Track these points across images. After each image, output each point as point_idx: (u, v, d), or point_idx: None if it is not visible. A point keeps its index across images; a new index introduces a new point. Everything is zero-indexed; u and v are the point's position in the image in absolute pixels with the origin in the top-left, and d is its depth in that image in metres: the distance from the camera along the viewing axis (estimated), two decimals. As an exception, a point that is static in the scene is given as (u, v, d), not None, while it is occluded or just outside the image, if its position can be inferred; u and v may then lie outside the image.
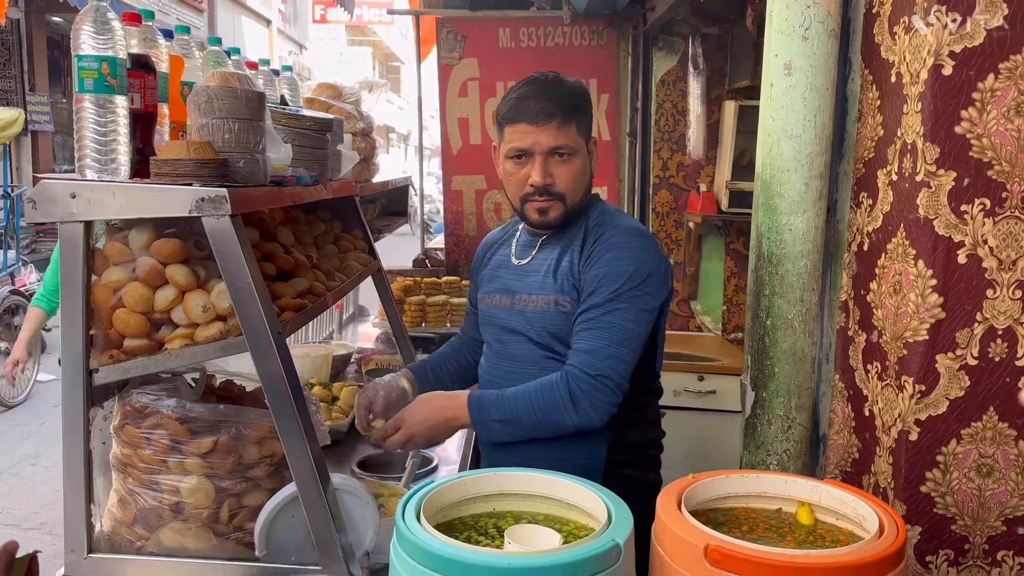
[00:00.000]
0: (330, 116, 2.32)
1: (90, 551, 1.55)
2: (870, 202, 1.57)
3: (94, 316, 1.52)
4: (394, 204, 4.03)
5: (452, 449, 2.43)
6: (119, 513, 1.58)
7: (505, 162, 1.72)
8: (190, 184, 1.44)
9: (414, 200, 5.05)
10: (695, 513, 1.20)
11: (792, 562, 1.02)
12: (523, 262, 1.80)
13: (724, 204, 3.61)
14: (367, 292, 3.53)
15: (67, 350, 1.51)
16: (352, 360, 3.10)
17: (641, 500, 1.32)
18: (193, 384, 1.69)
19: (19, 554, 1.21)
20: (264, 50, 16.76)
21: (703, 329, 4.30)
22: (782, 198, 1.66)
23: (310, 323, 4.03)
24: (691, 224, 4.07)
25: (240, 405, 1.65)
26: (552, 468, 1.36)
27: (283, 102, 2.43)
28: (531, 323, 1.74)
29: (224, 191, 1.44)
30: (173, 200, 1.45)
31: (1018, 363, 1.39)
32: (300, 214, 2.38)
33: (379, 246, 2.84)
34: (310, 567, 1.53)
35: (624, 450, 1.72)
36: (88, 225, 1.49)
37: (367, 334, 3.94)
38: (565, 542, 1.19)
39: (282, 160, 1.81)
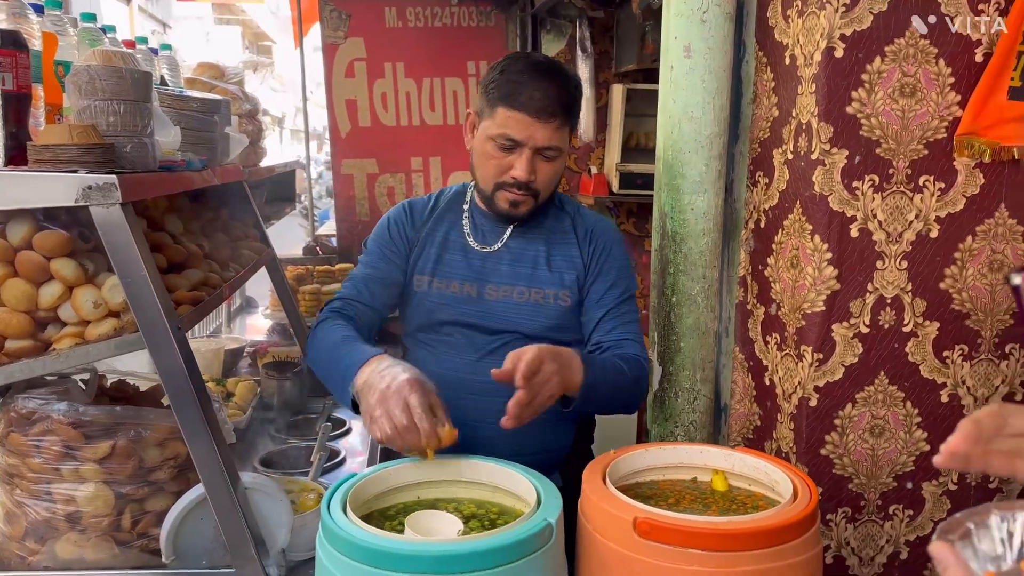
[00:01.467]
0: (217, 96, 2.21)
1: (-27, 572, 1.43)
2: (766, 181, 1.64)
3: (-32, 317, 1.39)
4: (281, 190, 3.89)
5: (357, 442, 2.38)
6: (6, 528, 1.47)
7: (486, 143, 1.60)
8: (75, 171, 1.34)
9: (305, 185, 4.90)
10: (621, 488, 1.22)
11: (717, 529, 1.06)
12: (490, 249, 1.69)
13: (615, 186, 3.69)
14: (255, 282, 3.40)
15: (-62, 355, 1.37)
16: (245, 354, 2.99)
17: None
18: (84, 386, 1.58)
19: None
20: (124, 30, 15.75)
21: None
22: (684, 178, 1.70)
23: (213, 318, 3.85)
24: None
25: (137, 406, 1.56)
26: (522, 450, 1.38)
27: (163, 83, 2.29)
28: (522, 316, 1.64)
29: (113, 178, 1.34)
30: (56, 189, 1.34)
31: (904, 329, 1.49)
32: (186, 201, 2.26)
33: (268, 233, 2.73)
34: (223, 570, 1.47)
35: (586, 435, 1.77)
36: (-43, 217, 1.36)
37: (257, 326, 3.80)
38: (494, 525, 1.19)
39: (171, 144, 1.71)
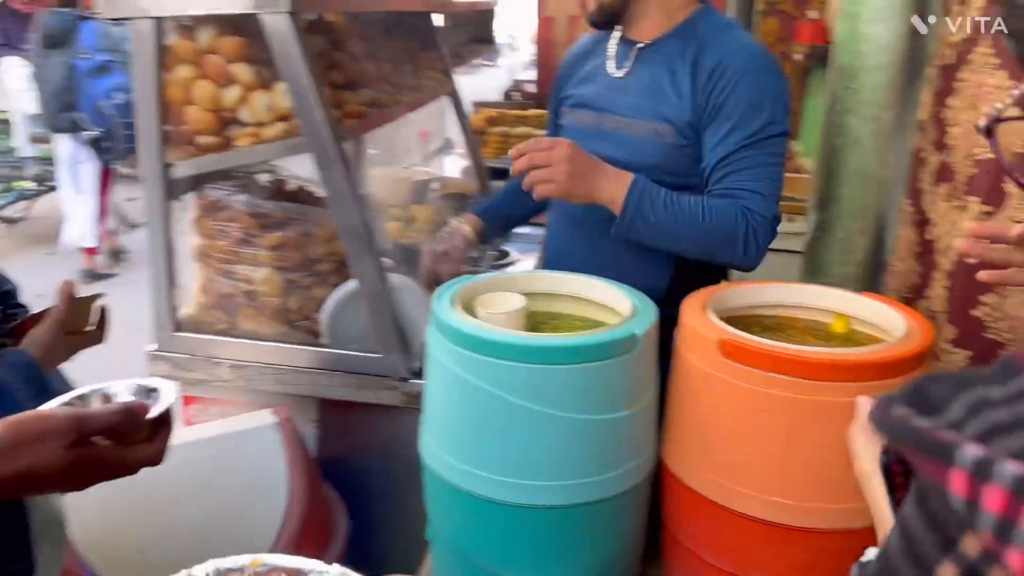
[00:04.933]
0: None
1: (176, 329, 1.72)
2: (961, 6, 1.43)
3: (168, 112, 1.61)
4: (481, 31, 3.95)
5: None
6: (202, 298, 1.74)
7: None
8: (249, -20, 1.47)
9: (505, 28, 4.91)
10: (737, 318, 1.22)
11: (800, 356, 1.04)
12: (620, 73, 1.55)
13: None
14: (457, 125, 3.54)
15: (144, 145, 1.61)
16: (431, 188, 3.17)
17: None
18: (263, 184, 1.79)
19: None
20: None
21: (801, 172, 4.13)
22: (863, 4, 1.53)
23: (394, 151, 4.11)
24: (797, 56, 3.82)
25: (309, 206, 1.74)
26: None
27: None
28: (626, 150, 1.51)
29: (283, -12, 1.46)
30: (234, -3, 1.48)
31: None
32: (375, 29, 2.38)
33: (470, 79, 2.80)
34: (370, 354, 1.65)
35: (683, 284, 1.68)
36: (158, 21, 1.55)
37: (452, 165, 3.98)
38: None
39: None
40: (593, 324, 1.33)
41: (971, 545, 0.27)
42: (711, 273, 1.62)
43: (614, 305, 1.32)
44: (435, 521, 1.27)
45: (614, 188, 1.39)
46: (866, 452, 0.56)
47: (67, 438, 0.77)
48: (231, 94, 1.58)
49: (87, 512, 1.26)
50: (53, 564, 1.11)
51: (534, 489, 1.12)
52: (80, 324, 1.23)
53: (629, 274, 1.41)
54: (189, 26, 1.61)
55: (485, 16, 3.86)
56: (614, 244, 1.46)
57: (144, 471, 0.87)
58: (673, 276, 1.57)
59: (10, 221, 6.23)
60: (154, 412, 0.85)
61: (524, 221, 1.90)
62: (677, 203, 1.42)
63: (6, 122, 6.89)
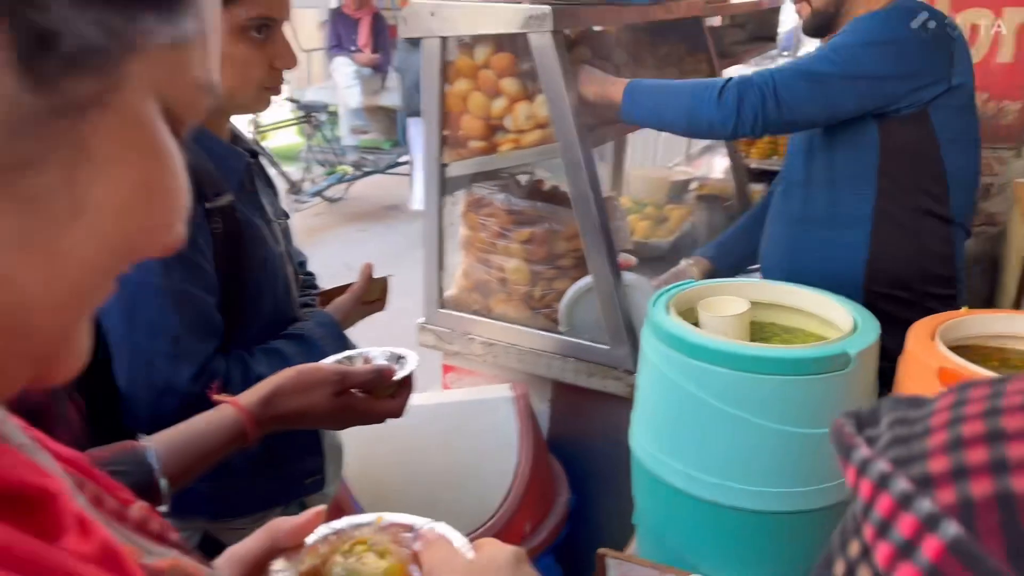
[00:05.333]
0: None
1: (440, 307, 1.98)
2: None
3: (447, 120, 1.85)
4: (762, 28, 3.86)
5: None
6: (463, 282, 1.98)
7: None
8: (520, 2, 1.65)
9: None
10: (968, 347, 1.17)
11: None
12: None
13: None
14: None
15: (428, 148, 1.88)
16: (689, 188, 3.21)
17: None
18: (522, 184, 1.99)
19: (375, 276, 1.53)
20: None
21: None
22: None
23: (658, 148, 4.18)
24: None
25: (557, 206, 1.91)
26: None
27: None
28: None
29: (548, 8, 1.62)
30: (507, 18, 1.67)
31: None
32: (643, 35, 2.48)
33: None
34: (600, 345, 1.78)
35: (886, 280, 1.66)
36: (443, 40, 1.79)
37: (719, 165, 3.96)
38: (804, 348, 1.26)
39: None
40: (812, 338, 1.34)
41: (855, 546, 0.32)
42: (907, 252, 1.67)
43: (836, 320, 1.32)
44: (640, 507, 1.37)
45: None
46: None
47: (333, 388, 0.99)
48: (498, 104, 1.78)
49: (357, 453, 1.54)
50: (334, 481, 1.40)
51: (729, 490, 1.17)
52: (371, 296, 1.50)
53: (827, 257, 1.67)
54: (469, 44, 1.83)
55: (766, 14, 3.78)
56: (811, 234, 1.74)
57: (400, 424, 1.09)
58: (867, 261, 1.67)
59: (331, 200, 7.22)
60: (399, 375, 1.05)
61: (756, 259, 1.97)
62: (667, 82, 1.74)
63: (334, 114, 7.97)
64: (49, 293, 0.33)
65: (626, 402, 1.74)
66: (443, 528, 0.72)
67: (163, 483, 0.85)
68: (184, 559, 0.46)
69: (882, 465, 0.30)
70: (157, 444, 0.88)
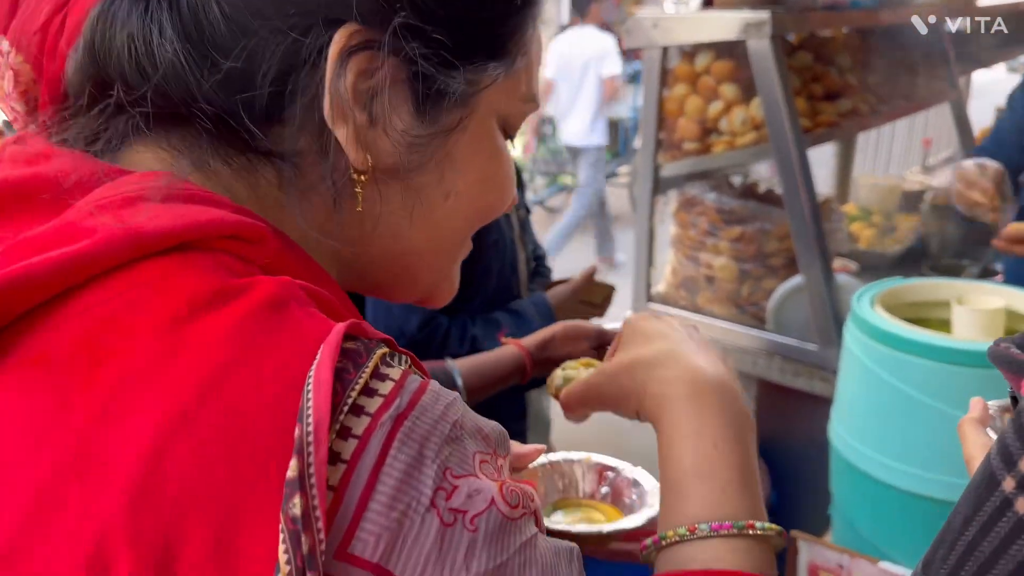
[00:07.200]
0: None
1: (649, 301, 2.08)
2: None
3: (663, 124, 1.96)
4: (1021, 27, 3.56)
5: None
6: (671, 278, 2.08)
7: None
8: (739, 10, 1.72)
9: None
10: None
11: None
12: None
13: None
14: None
15: (643, 149, 1.99)
16: (924, 198, 3.04)
17: None
18: (734, 185, 2.04)
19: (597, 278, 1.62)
20: None
21: None
22: None
23: (892, 157, 3.97)
24: None
25: (771, 206, 1.95)
26: None
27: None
28: None
29: (767, 15, 1.68)
30: (726, 26, 1.75)
31: None
32: (873, 40, 2.43)
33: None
34: (808, 344, 1.79)
35: None
36: (664, 50, 1.90)
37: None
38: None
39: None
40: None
41: None
42: None
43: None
44: (836, 497, 1.40)
45: None
46: (968, 439, 0.60)
47: (594, 342, 1.16)
48: (715, 108, 1.86)
49: (563, 427, 1.67)
50: (538, 448, 1.55)
51: (926, 480, 1.18)
52: (592, 298, 1.62)
53: None
54: (690, 52, 1.93)
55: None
56: None
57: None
58: None
59: (551, 210, 7.49)
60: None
61: None
62: None
63: (555, 125, 8.25)
64: (429, 246, 0.51)
65: (829, 403, 1.75)
66: (642, 473, 0.82)
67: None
68: None
69: None
70: (460, 365, 1.11)
